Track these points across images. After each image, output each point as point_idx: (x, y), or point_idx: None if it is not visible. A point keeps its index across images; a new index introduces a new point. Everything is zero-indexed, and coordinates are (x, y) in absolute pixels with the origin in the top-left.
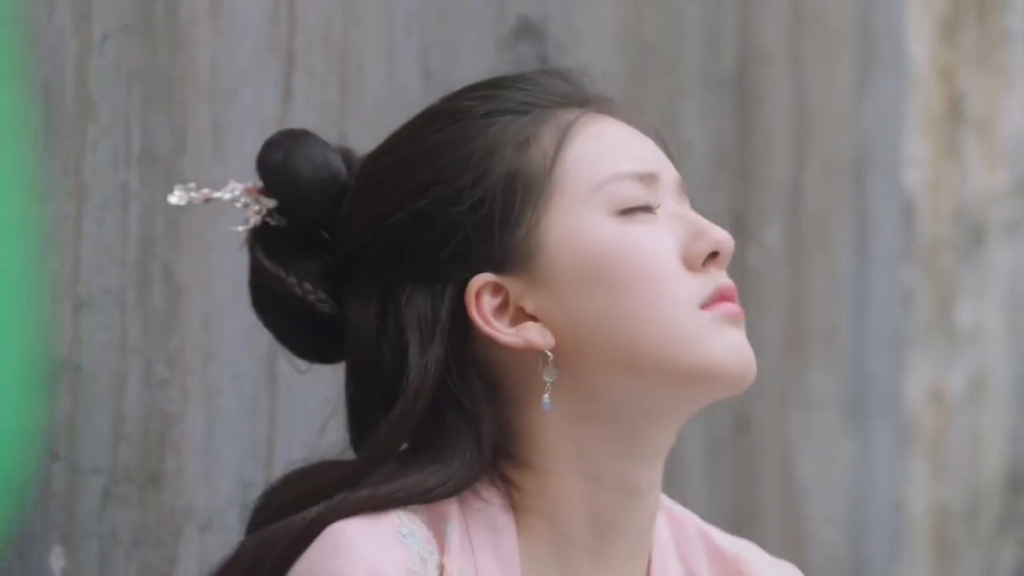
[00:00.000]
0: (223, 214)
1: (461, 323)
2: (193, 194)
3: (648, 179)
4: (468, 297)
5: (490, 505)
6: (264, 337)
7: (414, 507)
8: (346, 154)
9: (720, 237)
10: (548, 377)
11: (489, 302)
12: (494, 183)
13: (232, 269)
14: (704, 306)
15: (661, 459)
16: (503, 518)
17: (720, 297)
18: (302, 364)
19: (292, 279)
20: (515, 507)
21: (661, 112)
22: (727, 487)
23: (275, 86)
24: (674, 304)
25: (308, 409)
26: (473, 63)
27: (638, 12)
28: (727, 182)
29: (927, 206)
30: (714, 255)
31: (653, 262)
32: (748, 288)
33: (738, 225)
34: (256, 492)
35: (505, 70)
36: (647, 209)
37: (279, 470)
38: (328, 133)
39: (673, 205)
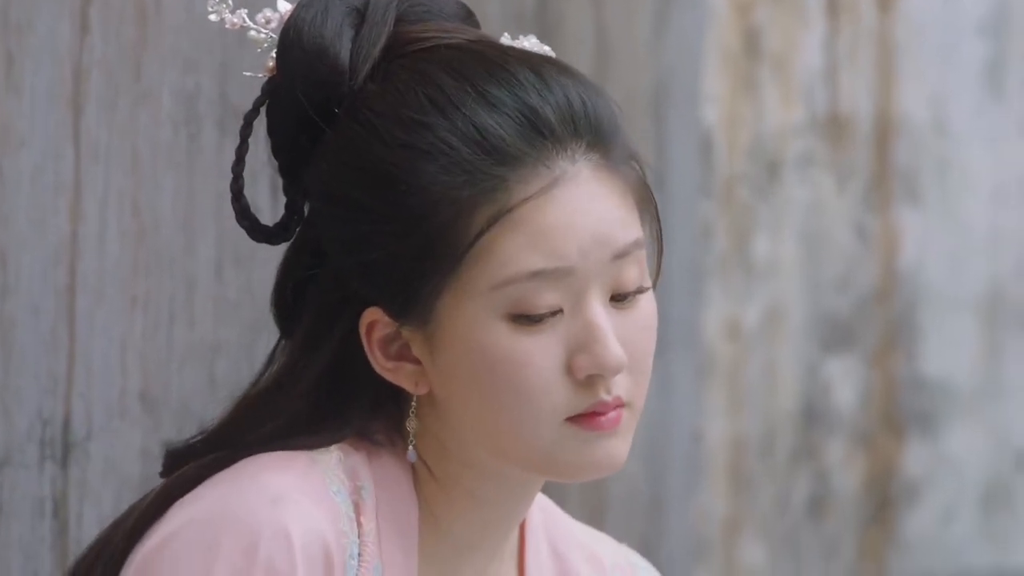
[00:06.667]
0: (21, 148)
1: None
2: (227, 15)
3: (558, 274)
4: (362, 320)
5: (400, 484)
6: (63, 272)
7: (336, 458)
8: (362, 45)
9: (603, 360)
10: (411, 427)
11: (381, 329)
12: (415, 242)
13: (29, 203)
14: (571, 419)
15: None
16: (408, 494)
17: (592, 413)
18: None
19: (242, 149)
20: (417, 483)
21: None
22: None
23: (71, 18)
24: (538, 416)
25: (107, 345)
26: None
27: None
28: None
29: (724, 141)
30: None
31: (528, 378)
32: None
33: None
34: (55, 428)
35: None
36: (540, 319)
37: (78, 406)
38: (126, 65)
39: (587, 299)
